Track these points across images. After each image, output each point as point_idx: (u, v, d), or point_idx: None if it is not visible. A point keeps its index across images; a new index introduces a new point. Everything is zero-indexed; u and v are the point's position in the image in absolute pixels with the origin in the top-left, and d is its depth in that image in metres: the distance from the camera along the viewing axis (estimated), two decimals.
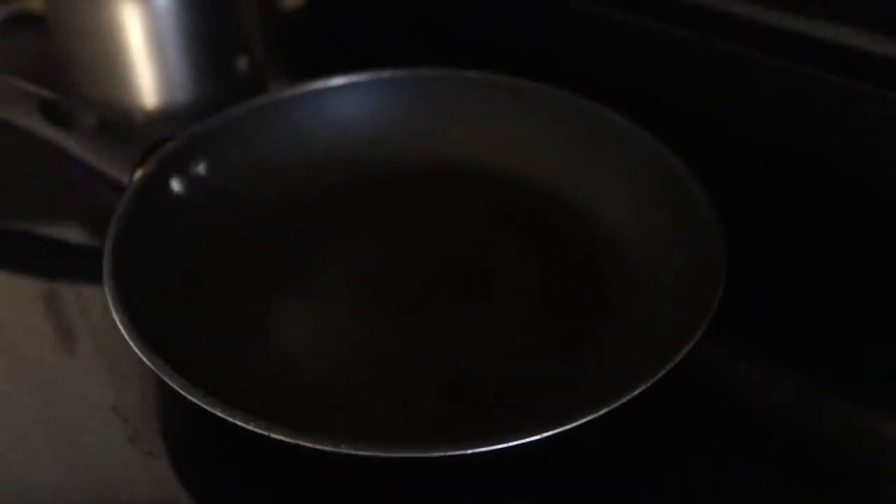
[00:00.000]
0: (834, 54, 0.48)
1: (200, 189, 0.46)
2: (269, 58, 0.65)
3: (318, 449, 0.31)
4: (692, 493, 0.36)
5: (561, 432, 0.32)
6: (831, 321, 0.43)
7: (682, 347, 0.35)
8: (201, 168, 0.46)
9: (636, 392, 0.33)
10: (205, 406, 0.33)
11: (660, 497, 0.36)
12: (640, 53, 0.55)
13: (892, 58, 0.46)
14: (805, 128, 0.50)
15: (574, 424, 0.32)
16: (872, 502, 0.36)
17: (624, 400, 0.33)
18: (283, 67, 0.67)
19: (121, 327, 0.36)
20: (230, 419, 0.32)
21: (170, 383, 0.34)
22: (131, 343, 0.35)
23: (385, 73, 0.51)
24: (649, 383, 0.33)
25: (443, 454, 0.31)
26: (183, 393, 0.33)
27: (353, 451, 0.31)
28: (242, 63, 0.62)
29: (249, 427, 0.32)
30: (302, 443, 0.31)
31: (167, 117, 0.58)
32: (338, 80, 0.50)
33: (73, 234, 0.51)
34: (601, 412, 0.33)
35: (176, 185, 0.45)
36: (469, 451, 0.31)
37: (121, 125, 0.48)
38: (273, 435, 0.32)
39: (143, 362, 0.35)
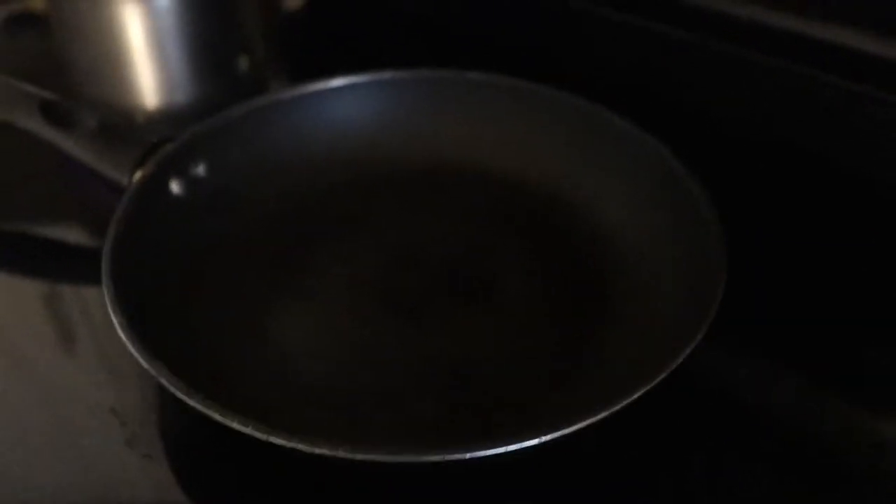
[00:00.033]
0: (833, 55, 0.48)
1: (200, 190, 0.46)
2: (270, 58, 0.65)
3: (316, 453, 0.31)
4: (690, 493, 0.36)
5: (560, 436, 0.32)
6: (831, 321, 0.43)
7: (683, 350, 0.35)
8: (201, 169, 0.46)
9: (636, 396, 0.33)
10: (203, 410, 0.33)
11: (658, 497, 0.36)
12: (640, 54, 0.55)
13: (892, 59, 0.46)
14: (804, 129, 0.50)
15: (573, 429, 0.32)
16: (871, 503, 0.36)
17: (623, 404, 0.33)
18: (284, 68, 0.67)
19: (119, 329, 0.36)
20: (228, 423, 0.32)
21: (167, 386, 0.34)
22: (129, 345, 0.35)
23: (385, 74, 0.51)
24: (649, 387, 0.33)
25: (441, 459, 0.31)
26: (181, 396, 0.33)
27: (350, 456, 0.31)
28: (243, 63, 0.62)
29: (247, 431, 0.32)
30: (300, 447, 0.31)
31: (168, 117, 0.58)
32: (338, 81, 0.50)
33: (73, 234, 0.51)
34: (600, 416, 0.33)
35: (175, 186, 0.45)
36: (467, 456, 0.31)
37: (121, 126, 0.48)
38: (271, 439, 0.32)
39: (142, 364, 0.35)
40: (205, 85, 0.60)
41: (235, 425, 0.32)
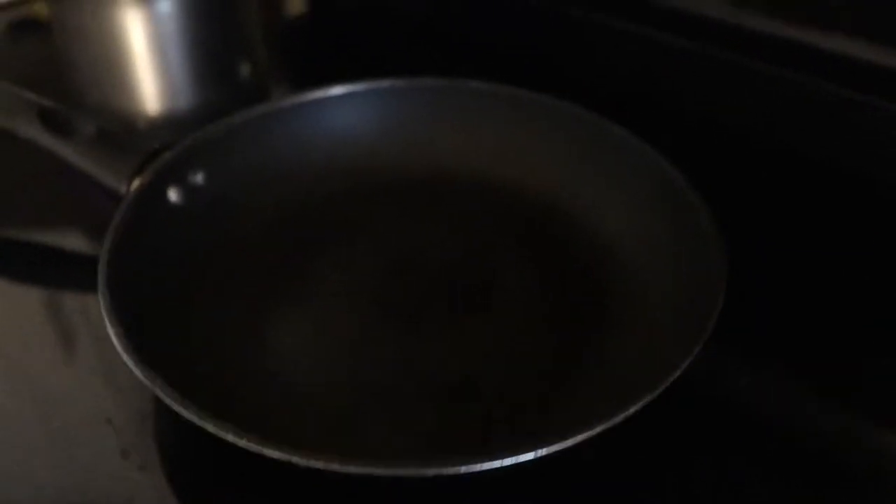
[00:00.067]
0: (836, 64, 0.48)
1: (198, 198, 0.46)
2: (271, 64, 0.65)
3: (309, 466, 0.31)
4: (691, 499, 0.36)
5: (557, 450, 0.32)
6: (832, 330, 0.43)
7: (683, 360, 0.34)
8: (199, 177, 0.46)
9: (635, 408, 0.33)
10: (197, 421, 0.32)
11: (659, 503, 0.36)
12: (641, 62, 0.55)
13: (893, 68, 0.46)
14: (806, 138, 0.50)
15: (571, 442, 0.32)
16: None
17: (622, 417, 0.33)
18: (285, 74, 0.67)
19: (114, 339, 0.36)
20: (222, 435, 0.32)
21: (162, 397, 0.33)
22: (124, 355, 0.35)
23: (384, 83, 0.51)
24: (649, 398, 0.33)
25: (436, 473, 0.31)
26: (175, 407, 0.33)
27: (344, 470, 0.31)
28: (245, 70, 0.62)
29: (241, 443, 0.32)
30: (293, 459, 0.31)
31: (170, 123, 0.58)
32: (337, 90, 0.50)
33: (72, 242, 0.51)
34: (599, 429, 0.32)
35: (173, 194, 0.45)
36: (462, 470, 0.31)
37: (119, 134, 0.48)
38: (265, 451, 0.31)
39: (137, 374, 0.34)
40: (207, 91, 0.60)
41: (230, 437, 0.32)
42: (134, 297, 0.39)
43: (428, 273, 0.45)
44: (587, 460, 0.36)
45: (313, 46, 0.67)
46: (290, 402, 0.39)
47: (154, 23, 0.56)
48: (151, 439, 0.38)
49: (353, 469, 0.31)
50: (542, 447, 0.32)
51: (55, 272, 0.48)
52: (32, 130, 0.47)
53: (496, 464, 0.31)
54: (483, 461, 0.31)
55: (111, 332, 0.36)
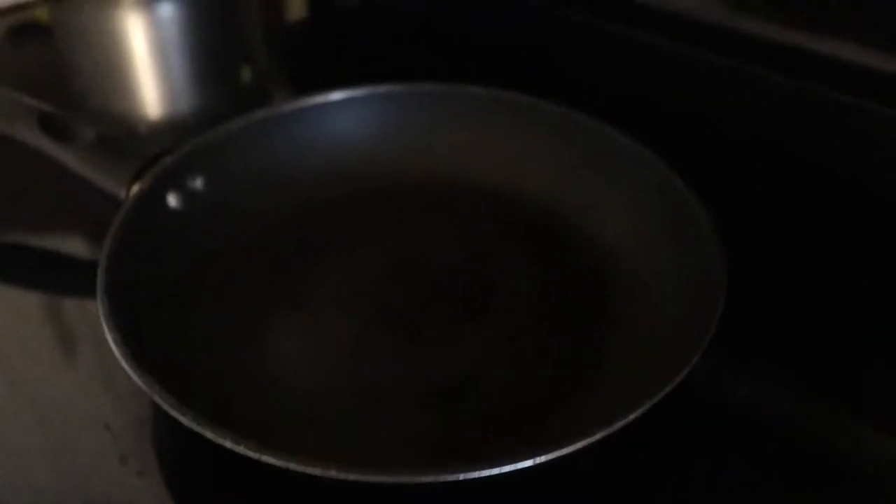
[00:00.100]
0: (834, 68, 0.47)
1: (197, 204, 0.46)
2: (272, 69, 0.65)
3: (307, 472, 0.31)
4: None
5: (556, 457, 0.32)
6: (830, 334, 0.43)
7: (683, 366, 0.34)
8: (198, 182, 0.46)
9: (634, 415, 0.33)
10: (195, 428, 0.32)
11: None
12: (641, 66, 0.55)
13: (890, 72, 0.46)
14: (805, 141, 0.50)
15: (570, 449, 0.32)
16: None
17: (621, 424, 0.33)
18: (286, 78, 0.67)
19: (112, 345, 0.36)
20: (220, 441, 0.32)
21: (160, 403, 0.33)
22: (122, 361, 0.35)
23: (384, 88, 0.51)
24: (649, 405, 0.33)
25: (433, 480, 0.31)
26: (173, 413, 0.33)
27: (342, 476, 0.31)
28: (246, 74, 0.62)
29: (239, 450, 0.32)
30: (291, 466, 0.31)
31: (171, 127, 0.58)
32: (337, 95, 0.50)
33: (71, 247, 0.51)
34: (598, 436, 0.32)
35: (173, 199, 0.45)
36: (461, 478, 0.31)
37: (119, 139, 0.48)
38: (263, 458, 0.31)
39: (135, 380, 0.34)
40: (208, 95, 0.60)
41: (228, 443, 0.32)
42: (133, 302, 0.39)
43: (428, 278, 0.45)
44: (586, 466, 0.36)
45: (313, 50, 0.67)
46: (289, 407, 0.39)
47: (154, 28, 0.56)
48: (150, 445, 0.38)
49: (350, 476, 0.31)
50: (540, 454, 0.31)
51: (54, 277, 0.48)
52: (32, 136, 0.47)
53: (495, 471, 0.31)
54: (482, 468, 0.31)
55: (109, 337, 0.36)
